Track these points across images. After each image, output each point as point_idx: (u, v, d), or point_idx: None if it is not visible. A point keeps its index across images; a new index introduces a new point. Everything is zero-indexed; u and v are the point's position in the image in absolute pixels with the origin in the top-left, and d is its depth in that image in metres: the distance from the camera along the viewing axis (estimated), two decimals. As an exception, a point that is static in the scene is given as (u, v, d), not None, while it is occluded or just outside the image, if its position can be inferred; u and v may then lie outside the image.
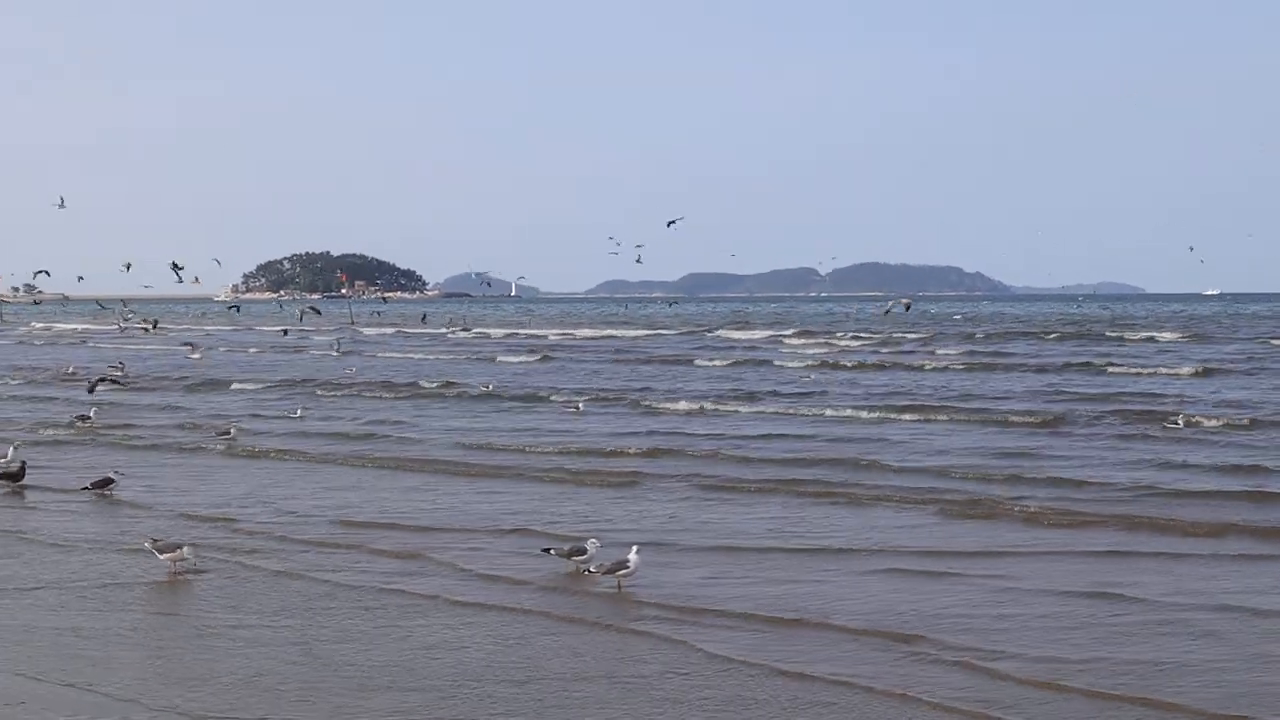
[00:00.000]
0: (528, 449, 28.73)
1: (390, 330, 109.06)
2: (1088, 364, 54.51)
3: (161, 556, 16.26)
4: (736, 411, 37.61)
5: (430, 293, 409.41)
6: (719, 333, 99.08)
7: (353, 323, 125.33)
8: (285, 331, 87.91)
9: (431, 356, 69.60)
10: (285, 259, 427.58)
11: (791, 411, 37.35)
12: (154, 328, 70.32)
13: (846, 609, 14.22)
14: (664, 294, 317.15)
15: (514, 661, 12.36)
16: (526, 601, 14.80)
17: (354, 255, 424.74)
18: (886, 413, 36.08)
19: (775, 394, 43.05)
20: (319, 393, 44.90)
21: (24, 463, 24.51)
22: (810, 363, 59.72)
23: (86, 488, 22.96)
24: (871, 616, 13.86)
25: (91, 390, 42.03)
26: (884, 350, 71.74)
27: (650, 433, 31.76)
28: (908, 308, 58.32)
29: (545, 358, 67.06)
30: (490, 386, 45.03)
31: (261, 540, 18.47)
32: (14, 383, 50.88)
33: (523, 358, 66.86)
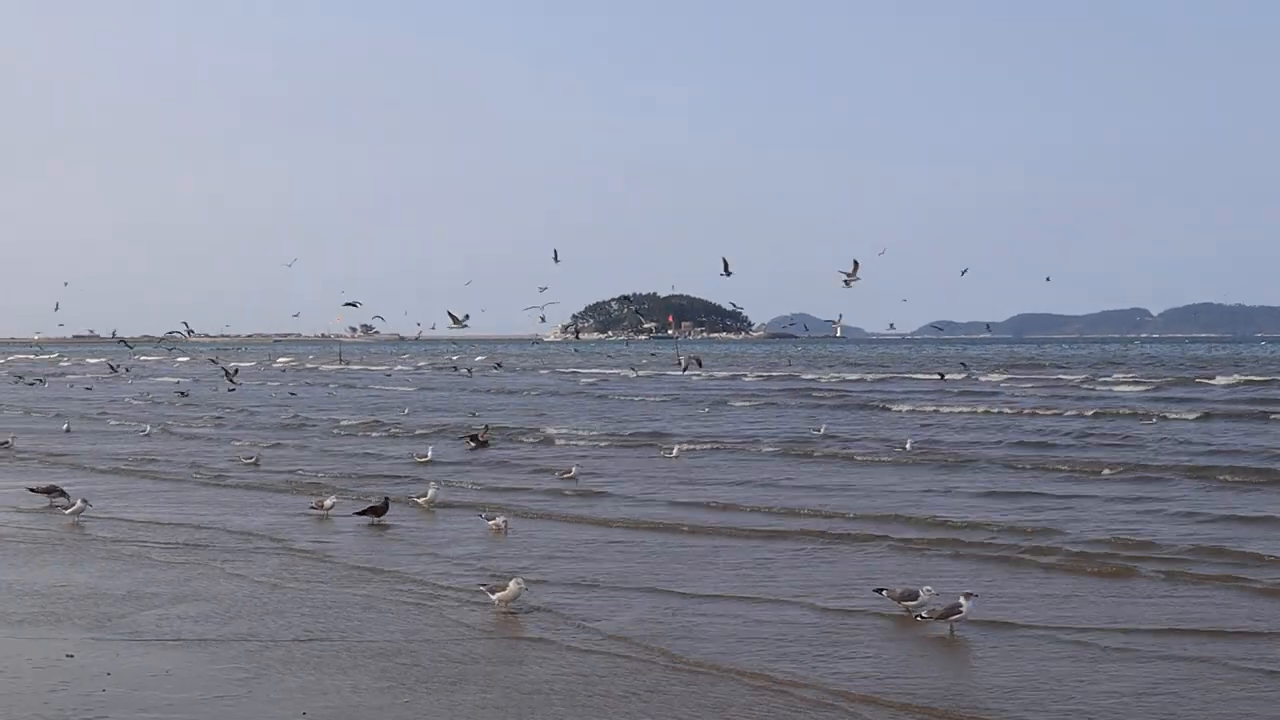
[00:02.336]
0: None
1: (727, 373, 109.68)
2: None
3: (493, 597, 16.99)
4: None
5: (755, 334, 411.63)
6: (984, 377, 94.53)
7: (679, 363, 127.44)
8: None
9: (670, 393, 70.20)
10: (613, 300, 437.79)
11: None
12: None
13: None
14: (991, 334, 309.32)
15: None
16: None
17: (680, 296, 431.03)
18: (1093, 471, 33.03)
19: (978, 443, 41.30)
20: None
21: (387, 499, 25.76)
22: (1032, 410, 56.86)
23: (483, 517, 24.20)
24: None
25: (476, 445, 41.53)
26: (1129, 393, 68.78)
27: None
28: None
29: (768, 403, 65.85)
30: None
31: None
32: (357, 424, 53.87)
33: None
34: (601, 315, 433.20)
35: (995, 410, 57.25)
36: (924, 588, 16.69)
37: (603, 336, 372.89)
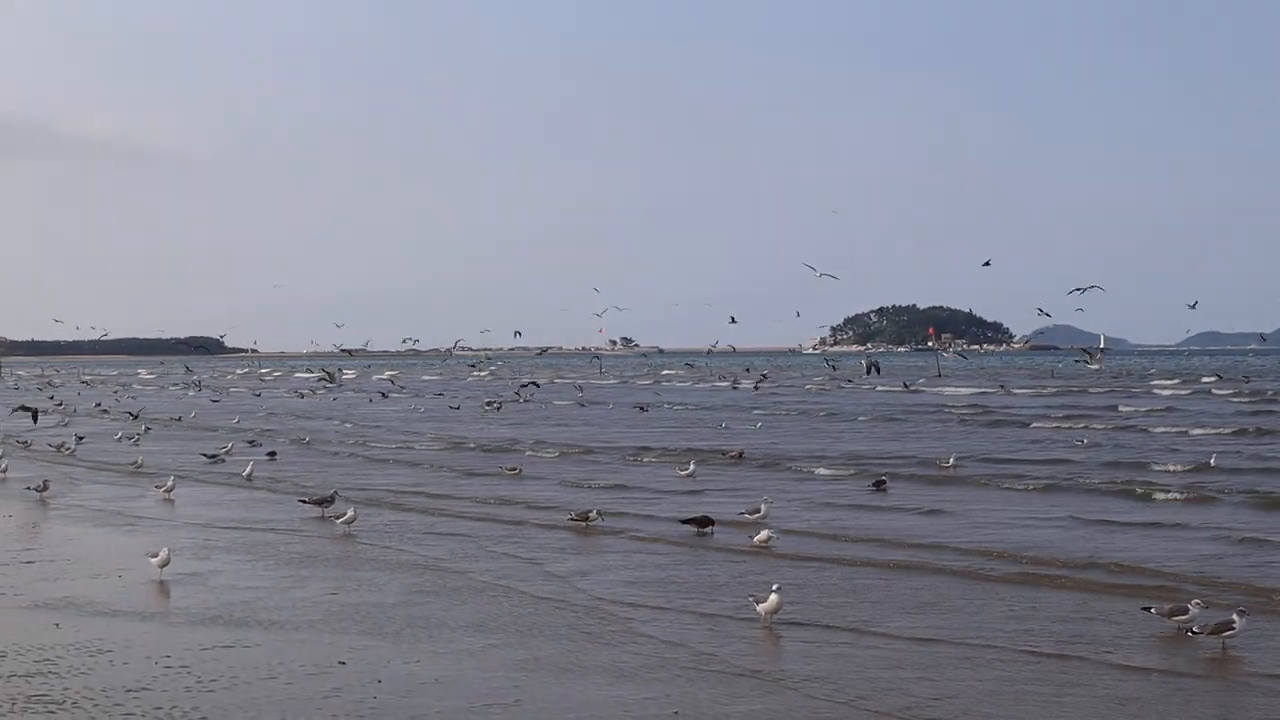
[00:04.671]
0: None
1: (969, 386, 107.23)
2: None
3: (759, 608, 16.56)
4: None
5: (1016, 345, 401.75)
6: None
7: (939, 375, 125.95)
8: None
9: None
10: (872, 312, 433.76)
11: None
12: None
13: None
14: (1258, 346, 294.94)
15: None
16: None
17: (940, 308, 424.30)
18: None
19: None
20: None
21: (708, 519, 25.68)
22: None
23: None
24: None
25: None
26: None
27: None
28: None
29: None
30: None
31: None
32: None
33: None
34: (860, 327, 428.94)
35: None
36: (1192, 601, 16.21)
37: (861, 349, 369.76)
